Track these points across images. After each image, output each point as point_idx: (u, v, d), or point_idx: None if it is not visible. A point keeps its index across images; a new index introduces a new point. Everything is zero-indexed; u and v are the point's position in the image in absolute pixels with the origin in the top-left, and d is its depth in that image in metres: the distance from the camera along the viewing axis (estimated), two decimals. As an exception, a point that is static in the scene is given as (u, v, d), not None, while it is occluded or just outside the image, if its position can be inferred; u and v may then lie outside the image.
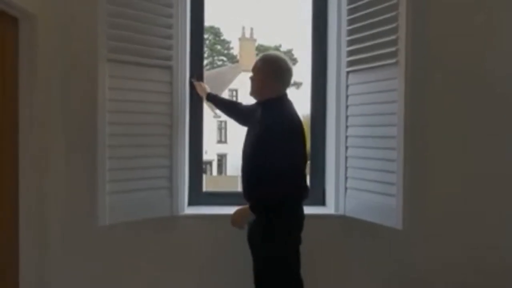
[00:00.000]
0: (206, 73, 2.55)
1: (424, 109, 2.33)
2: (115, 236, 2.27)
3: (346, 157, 2.35)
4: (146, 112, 2.19)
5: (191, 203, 2.51)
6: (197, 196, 2.54)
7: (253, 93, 2.11)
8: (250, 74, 2.10)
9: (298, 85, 29.36)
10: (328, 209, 2.50)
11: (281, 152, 1.88)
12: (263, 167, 1.90)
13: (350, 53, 2.33)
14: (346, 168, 2.36)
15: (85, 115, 2.16)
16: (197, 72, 2.47)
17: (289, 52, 29.15)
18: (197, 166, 2.54)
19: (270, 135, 1.90)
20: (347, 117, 2.36)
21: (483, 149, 2.41)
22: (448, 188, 2.41)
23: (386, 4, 2.12)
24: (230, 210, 2.43)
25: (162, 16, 2.21)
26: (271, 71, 2.03)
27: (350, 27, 2.32)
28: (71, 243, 2.29)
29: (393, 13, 2.08)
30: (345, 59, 2.36)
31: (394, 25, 2.07)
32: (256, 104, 2.15)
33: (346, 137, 2.35)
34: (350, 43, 2.33)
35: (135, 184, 2.16)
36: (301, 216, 2.02)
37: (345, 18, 2.35)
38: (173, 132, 2.27)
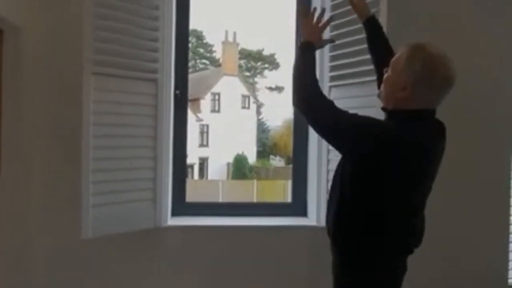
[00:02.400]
0: (189, 76, 2.56)
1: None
2: (99, 249, 2.26)
3: (328, 171, 2.41)
4: (131, 124, 2.19)
5: (174, 213, 2.52)
6: (180, 207, 2.55)
7: (382, 97, 1.51)
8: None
9: (280, 89, 29.63)
10: (310, 220, 2.54)
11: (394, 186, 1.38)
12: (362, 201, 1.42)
13: (333, 69, 2.39)
14: (327, 180, 2.41)
15: (70, 128, 2.16)
16: (181, 83, 2.49)
17: (271, 57, 29.45)
18: (180, 177, 2.55)
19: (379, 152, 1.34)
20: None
21: (469, 156, 2.47)
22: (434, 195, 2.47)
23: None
24: (214, 221, 2.48)
25: (147, 30, 2.22)
26: (422, 73, 1.37)
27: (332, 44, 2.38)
28: (53, 256, 2.28)
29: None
30: (327, 74, 2.42)
31: (375, 43, 2.13)
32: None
33: (328, 150, 2.41)
34: (333, 58, 2.39)
35: (119, 196, 2.16)
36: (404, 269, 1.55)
37: (327, 33, 2.41)
38: (157, 144, 2.28)
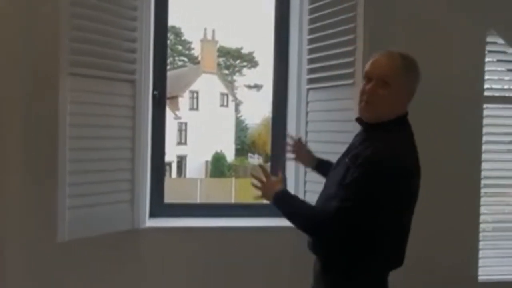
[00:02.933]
0: (167, 74, 2.56)
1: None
2: (75, 252, 2.22)
3: (305, 171, 2.44)
4: (109, 125, 2.18)
5: (152, 215, 2.51)
6: (159, 208, 2.54)
7: (374, 111, 1.48)
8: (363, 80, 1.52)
9: (258, 87, 29.67)
10: (285, 220, 2.56)
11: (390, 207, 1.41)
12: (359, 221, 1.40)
13: (310, 71, 2.43)
14: (305, 182, 2.45)
15: (46, 129, 2.11)
16: (160, 84, 2.48)
17: (250, 55, 29.43)
18: (159, 178, 2.54)
19: (377, 177, 1.36)
20: (306, 132, 2.45)
21: (439, 156, 2.49)
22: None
23: (345, 27, 2.23)
24: (192, 222, 2.49)
25: (125, 30, 2.21)
26: (413, 79, 1.49)
27: (310, 46, 2.42)
28: (28, 261, 2.23)
29: (351, 36, 2.19)
30: (305, 77, 2.45)
31: (352, 47, 2.18)
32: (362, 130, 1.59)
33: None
34: (310, 61, 2.42)
35: (96, 198, 2.14)
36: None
37: (306, 37, 2.44)
38: (136, 145, 2.26)
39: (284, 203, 1.57)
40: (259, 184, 1.65)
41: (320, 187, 1.68)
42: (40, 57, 2.17)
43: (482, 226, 2.65)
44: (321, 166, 1.91)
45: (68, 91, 2.01)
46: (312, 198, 2.02)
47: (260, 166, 1.85)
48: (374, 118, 1.50)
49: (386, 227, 1.43)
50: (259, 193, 1.65)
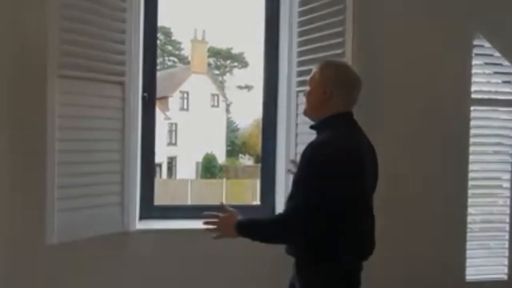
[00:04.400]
0: (157, 74, 2.55)
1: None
2: (65, 255, 2.21)
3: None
4: (97, 128, 2.17)
5: (142, 217, 2.50)
6: (149, 210, 2.53)
7: (308, 110, 1.70)
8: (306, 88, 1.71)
9: (249, 88, 29.68)
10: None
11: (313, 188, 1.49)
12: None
13: (300, 74, 2.44)
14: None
15: (34, 132, 2.10)
16: (149, 86, 2.47)
17: (240, 55, 29.44)
18: (148, 180, 2.54)
19: (309, 163, 1.52)
20: (296, 134, 2.46)
21: (421, 163, 2.55)
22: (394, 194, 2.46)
23: (334, 30, 2.24)
24: (183, 224, 2.48)
25: (115, 32, 2.20)
26: (337, 76, 1.62)
27: (300, 49, 2.43)
28: (17, 264, 2.22)
29: (340, 39, 2.20)
30: (295, 79, 2.46)
31: (340, 50, 2.20)
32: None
33: (296, 153, 2.45)
34: (300, 64, 2.43)
35: (86, 201, 2.13)
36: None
37: (296, 39, 2.46)
38: (125, 147, 2.25)
39: (251, 229, 1.62)
40: (213, 226, 1.67)
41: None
42: (29, 59, 2.16)
43: (469, 226, 2.69)
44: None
45: (57, 93, 2.00)
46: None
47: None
48: (311, 118, 1.71)
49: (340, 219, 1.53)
50: (216, 233, 1.67)
